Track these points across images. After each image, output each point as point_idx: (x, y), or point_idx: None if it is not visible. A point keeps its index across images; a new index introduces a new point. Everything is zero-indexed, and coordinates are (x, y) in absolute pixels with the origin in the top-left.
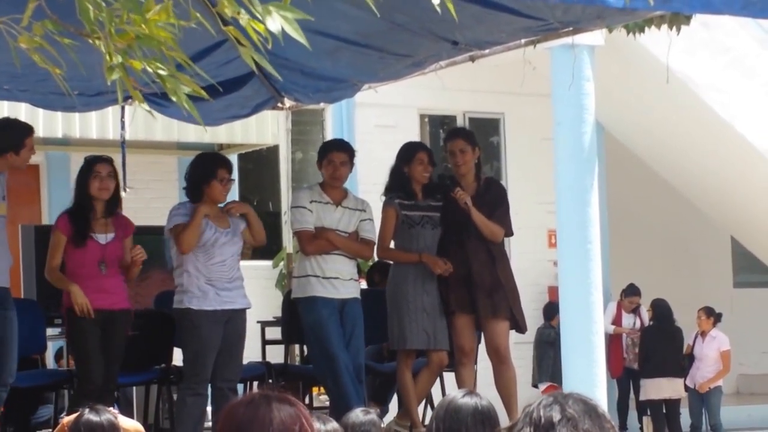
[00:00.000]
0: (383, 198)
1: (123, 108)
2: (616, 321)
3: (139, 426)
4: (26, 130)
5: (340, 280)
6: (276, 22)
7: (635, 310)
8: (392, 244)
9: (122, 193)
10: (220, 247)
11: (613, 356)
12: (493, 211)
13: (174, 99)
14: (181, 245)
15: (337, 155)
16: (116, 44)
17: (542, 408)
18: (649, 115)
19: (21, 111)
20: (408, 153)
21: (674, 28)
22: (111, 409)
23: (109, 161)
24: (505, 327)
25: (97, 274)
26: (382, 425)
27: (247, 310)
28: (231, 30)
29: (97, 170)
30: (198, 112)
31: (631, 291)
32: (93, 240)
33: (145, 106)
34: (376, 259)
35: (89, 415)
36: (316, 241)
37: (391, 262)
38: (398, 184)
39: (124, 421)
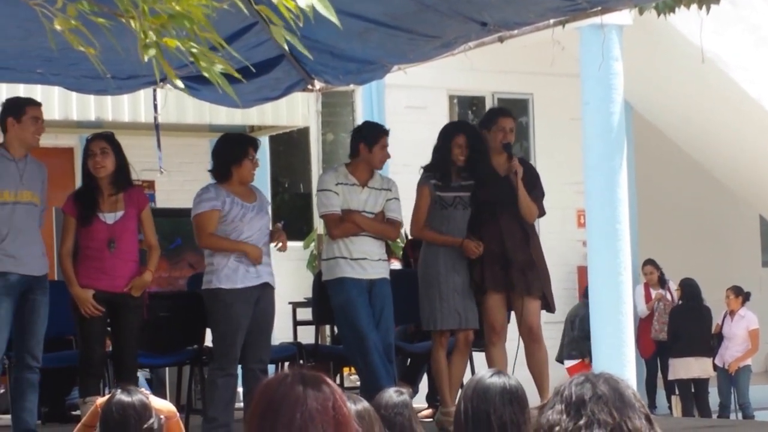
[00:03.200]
0: (422, 172)
1: (155, 91)
2: (647, 302)
3: (171, 406)
4: (28, 100)
5: (368, 260)
6: None
7: (663, 285)
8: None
9: (158, 175)
10: (248, 222)
11: (643, 336)
12: (529, 191)
13: (208, 76)
14: (200, 241)
15: (386, 139)
16: (150, 24)
17: (574, 386)
18: (678, 94)
19: (54, 95)
20: (446, 135)
21: (704, 7)
22: (143, 389)
23: (104, 138)
24: (537, 305)
25: (104, 256)
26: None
27: (278, 292)
28: (263, 9)
29: (91, 149)
30: (228, 95)
31: (644, 263)
32: (100, 220)
33: (180, 83)
34: (406, 237)
35: (121, 396)
36: (342, 225)
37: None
38: (437, 163)
39: (156, 401)
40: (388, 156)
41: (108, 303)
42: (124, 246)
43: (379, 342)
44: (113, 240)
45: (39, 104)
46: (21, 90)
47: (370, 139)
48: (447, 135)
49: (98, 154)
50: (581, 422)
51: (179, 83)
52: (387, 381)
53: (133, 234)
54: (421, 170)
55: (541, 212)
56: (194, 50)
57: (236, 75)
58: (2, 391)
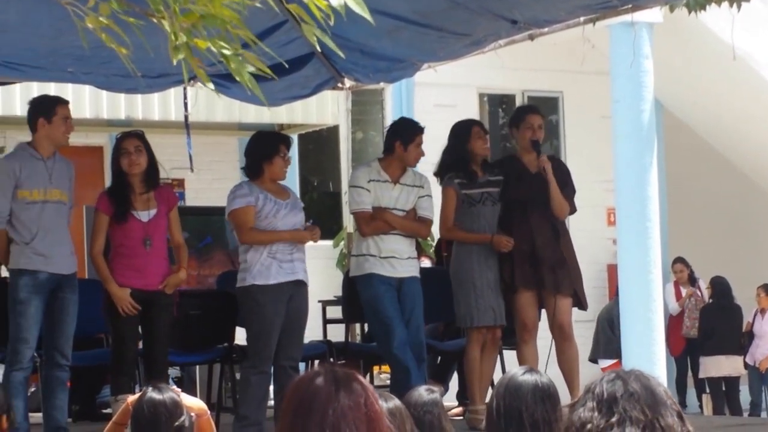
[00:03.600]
0: (437, 178)
1: (185, 89)
2: (678, 300)
3: (202, 404)
4: (57, 99)
5: (397, 259)
6: None
7: (693, 283)
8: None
9: (188, 173)
10: (282, 219)
11: (673, 334)
12: (561, 189)
13: (238, 78)
14: (242, 237)
15: (421, 137)
16: (181, 24)
17: (605, 383)
18: (709, 92)
19: (85, 93)
20: (465, 130)
21: (735, 5)
22: (174, 387)
23: (136, 136)
24: (568, 303)
25: (140, 253)
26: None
27: (309, 290)
28: (294, 7)
29: (124, 147)
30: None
31: (674, 261)
32: (134, 218)
33: (210, 85)
34: (436, 237)
35: (152, 394)
36: (373, 223)
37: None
38: (456, 163)
39: (187, 399)
40: (422, 154)
41: (141, 301)
42: (158, 244)
43: (404, 337)
44: (149, 238)
45: (67, 102)
46: (52, 88)
47: (407, 137)
48: (465, 130)
49: (133, 152)
50: (613, 419)
51: (210, 85)
52: (416, 375)
53: (165, 232)
54: (439, 176)
55: (573, 209)
56: (225, 51)
57: (269, 72)
58: (33, 389)
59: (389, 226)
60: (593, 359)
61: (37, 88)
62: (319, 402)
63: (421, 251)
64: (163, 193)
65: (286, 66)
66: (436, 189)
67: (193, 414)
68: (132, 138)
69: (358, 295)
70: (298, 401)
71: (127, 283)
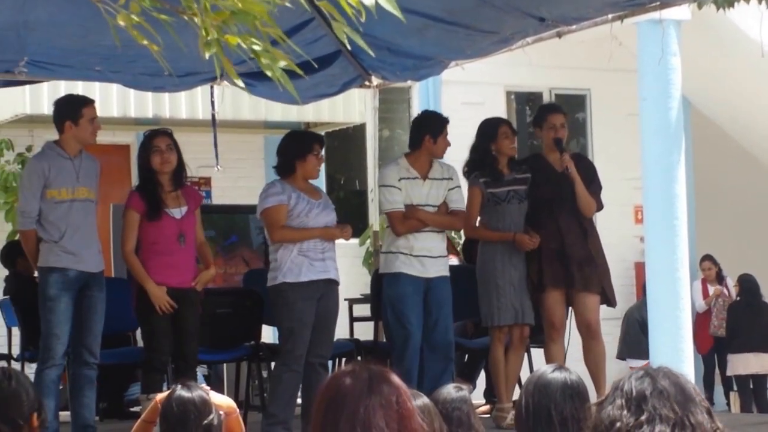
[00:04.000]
0: (465, 177)
1: (212, 87)
2: (705, 298)
3: (231, 402)
4: (83, 101)
5: (428, 258)
6: None
7: (720, 281)
8: (478, 223)
9: (215, 170)
10: (314, 218)
11: (700, 332)
12: (587, 186)
13: (269, 74)
14: (274, 235)
15: (447, 128)
16: (211, 20)
17: (634, 381)
18: (737, 89)
19: (113, 92)
20: (492, 129)
21: (764, 1)
22: (203, 385)
23: (167, 134)
24: (596, 301)
25: (175, 250)
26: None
27: (338, 287)
28: (324, 5)
29: (156, 144)
30: (284, 91)
31: (702, 259)
32: (168, 215)
33: (240, 82)
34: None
35: (181, 392)
36: (407, 222)
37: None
38: (482, 162)
39: (216, 397)
40: (449, 144)
41: (173, 298)
42: (190, 240)
43: (420, 342)
44: (183, 234)
45: (93, 102)
46: (80, 87)
47: (435, 129)
48: (492, 129)
49: (165, 150)
50: (642, 418)
51: (239, 82)
52: (445, 379)
53: (195, 229)
54: (465, 169)
55: (599, 206)
56: (256, 47)
57: (298, 71)
58: (61, 387)
59: (423, 224)
60: (621, 357)
61: (65, 87)
62: (351, 398)
63: (452, 249)
64: (190, 192)
65: (315, 65)
66: (463, 183)
67: (222, 412)
68: (163, 136)
69: (383, 290)
70: (331, 397)
71: (164, 281)
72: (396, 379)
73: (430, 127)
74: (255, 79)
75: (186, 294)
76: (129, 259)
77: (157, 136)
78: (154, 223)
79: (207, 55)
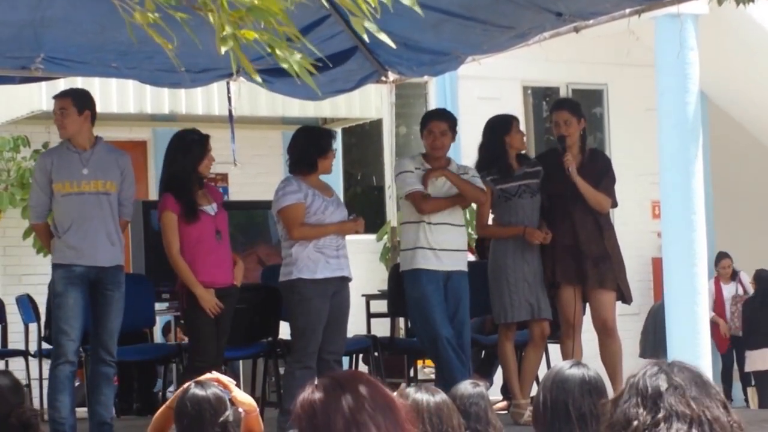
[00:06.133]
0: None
1: (228, 83)
2: (717, 300)
3: (252, 401)
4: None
5: (447, 251)
6: None
7: (734, 277)
8: (491, 221)
9: (232, 167)
10: (330, 215)
11: (717, 333)
12: (599, 182)
13: (286, 68)
14: (293, 233)
15: (437, 124)
16: (228, 17)
17: (648, 377)
18: (754, 83)
19: (129, 88)
20: (505, 124)
21: None
22: (223, 379)
23: (208, 136)
24: (611, 298)
25: (215, 247)
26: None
27: (352, 284)
28: (342, 0)
29: (209, 148)
30: (301, 88)
31: (720, 257)
32: (204, 213)
33: (257, 77)
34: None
35: (195, 390)
36: (430, 201)
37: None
38: (492, 158)
39: (239, 395)
40: (441, 141)
41: (218, 297)
42: (225, 237)
43: (452, 337)
44: (219, 230)
45: (60, 96)
46: (96, 84)
47: (421, 125)
48: (505, 124)
49: (209, 152)
50: (659, 416)
51: (257, 78)
52: (462, 375)
53: (227, 225)
54: (475, 168)
55: (614, 202)
56: (272, 42)
57: (312, 69)
58: (78, 383)
59: (447, 202)
60: (643, 355)
61: (81, 84)
62: (322, 413)
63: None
64: (212, 189)
65: (330, 65)
66: None
67: (241, 410)
68: (208, 139)
69: (405, 289)
70: (306, 420)
71: (211, 281)
72: (366, 378)
73: (421, 123)
74: (272, 76)
75: (228, 292)
76: (177, 263)
77: (208, 140)
78: (192, 223)
79: (223, 51)
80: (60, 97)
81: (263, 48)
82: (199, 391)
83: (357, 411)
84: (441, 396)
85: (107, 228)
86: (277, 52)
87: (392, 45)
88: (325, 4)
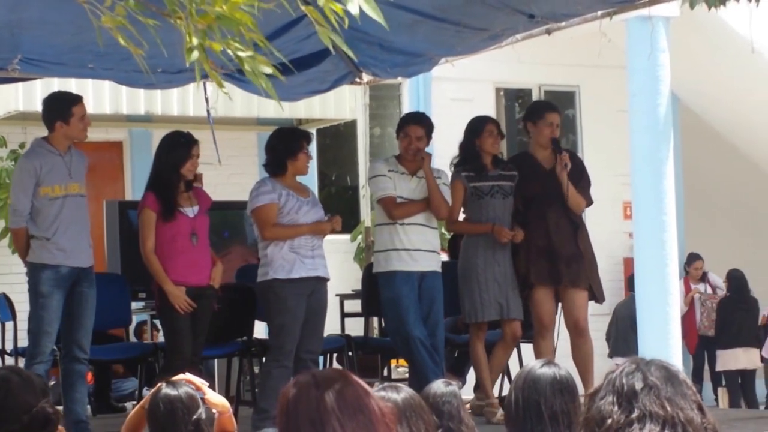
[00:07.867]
0: (452, 171)
1: (205, 84)
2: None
3: (225, 402)
4: (72, 99)
5: (421, 251)
6: (355, 3)
7: (703, 278)
8: (461, 218)
9: (209, 166)
10: (304, 215)
11: (689, 333)
12: (576, 183)
13: (252, 80)
14: (265, 233)
15: (414, 129)
16: (196, 25)
17: (624, 376)
18: (726, 86)
19: (105, 89)
20: (477, 126)
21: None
22: (196, 381)
23: (197, 142)
24: (584, 298)
25: (189, 248)
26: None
27: (327, 283)
28: (310, 10)
29: (194, 152)
30: (276, 88)
31: (692, 258)
32: (182, 213)
33: (224, 88)
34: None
35: (167, 389)
36: (402, 205)
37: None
38: (468, 157)
39: (212, 395)
40: (416, 145)
41: (190, 296)
42: (203, 239)
43: (425, 338)
44: (195, 233)
45: (81, 98)
46: (72, 84)
47: (398, 127)
48: (477, 126)
49: (196, 158)
50: (633, 416)
51: (224, 89)
52: (435, 375)
53: (207, 229)
54: (452, 167)
55: (589, 202)
56: (240, 52)
57: (280, 77)
58: (53, 382)
59: (418, 207)
60: (612, 356)
61: (58, 84)
62: (303, 410)
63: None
64: (200, 193)
65: (294, 72)
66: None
67: (215, 411)
68: (196, 143)
69: (379, 291)
70: (286, 415)
71: (183, 280)
72: (347, 377)
73: (398, 125)
74: (246, 76)
75: (203, 292)
76: (150, 259)
77: (195, 144)
78: (169, 222)
79: (189, 62)
80: (81, 101)
81: (231, 57)
82: (171, 391)
83: (324, 411)
84: (406, 392)
85: (86, 229)
86: (246, 67)
87: (354, 57)
88: (291, 11)
